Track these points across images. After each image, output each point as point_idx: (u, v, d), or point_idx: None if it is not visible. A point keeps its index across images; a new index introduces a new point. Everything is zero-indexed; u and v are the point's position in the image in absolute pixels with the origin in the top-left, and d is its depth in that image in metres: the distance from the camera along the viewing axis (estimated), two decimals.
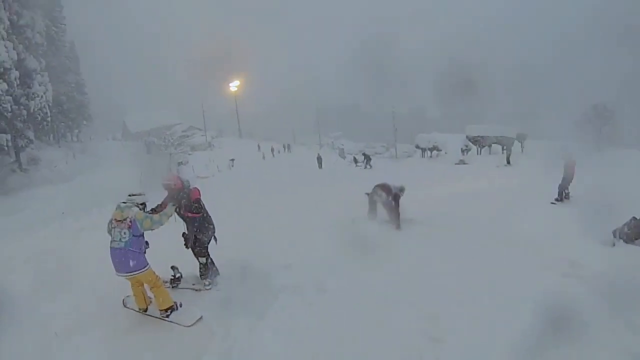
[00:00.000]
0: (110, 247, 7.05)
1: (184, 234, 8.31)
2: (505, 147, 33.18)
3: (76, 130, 49.47)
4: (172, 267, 8.52)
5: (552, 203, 14.25)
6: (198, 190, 8.39)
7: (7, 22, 33.24)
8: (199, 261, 8.42)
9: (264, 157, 51.78)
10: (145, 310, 7.54)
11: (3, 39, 31.89)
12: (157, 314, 7.36)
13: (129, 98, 62.21)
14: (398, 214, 11.90)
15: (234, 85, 62.07)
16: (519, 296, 6.88)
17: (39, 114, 35.46)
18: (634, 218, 9.83)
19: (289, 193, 21.08)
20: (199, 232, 8.30)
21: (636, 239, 9.68)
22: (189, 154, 40.60)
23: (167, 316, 7.32)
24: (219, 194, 9.78)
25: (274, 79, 66.30)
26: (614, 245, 9.71)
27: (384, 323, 6.58)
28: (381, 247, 10.00)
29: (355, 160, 43.32)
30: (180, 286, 8.51)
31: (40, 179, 33.03)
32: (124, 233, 6.97)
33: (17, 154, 34.36)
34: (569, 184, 14.54)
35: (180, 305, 7.49)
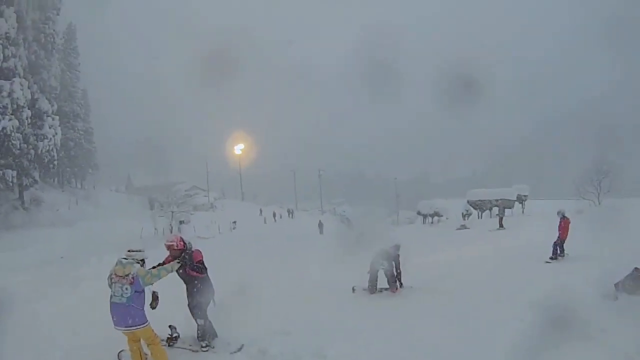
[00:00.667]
0: (111, 302, 7.08)
1: (153, 292, 7.72)
2: (498, 211, 33.23)
3: (81, 178, 49.86)
4: (170, 327, 8.47)
5: (546, 262, 14.58)
6: (200, 252, 8.38)
7: (26, 61, 33.83)
8: (197, 322, 8.30)
9: (265, 221, 51.77)
10: None
11: (20, 77, 32.32)
12: None
13: (136, 151, 62.75)
14: (395, 279, 12.12)
15: (239, 149, 62.76)
16: None
17: (47, 156, 35.61)
18: (636, 269, 9.79)
19: (290, 258, 21.03)
20: (198, 293, 8.25)
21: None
22: (191, 214, 40.55)
23: None
24: (219, 256, 9.82)
25: (279, 144, 66.80)
26: (616, 298, 9.66)
27: None
28: (381, 315, 10.09)
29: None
30: (176, 346, 8.40)
31: (42, 220, 32.93)
32: (126, 289, 6.98)
33: (20, 192, 34.49)
34: (563, 242, 14.97)
35: None
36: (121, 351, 7.79)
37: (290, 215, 58.27)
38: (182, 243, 8.21)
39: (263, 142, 64.67)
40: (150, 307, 7.39)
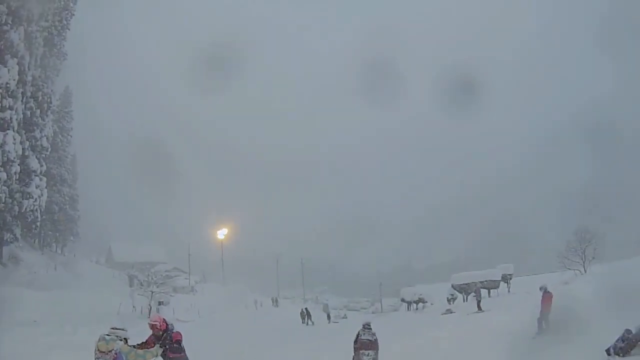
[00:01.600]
0: None
1: None
2: (476, 294, 32.49)
3: (62, 244, 49.06)
4: None
5: (533, 338, 14.55)
6: (180, 333, 8.60)
7: (21, 115, 33.54)
8: None
9: (246, 307, 50.69)
10: None
11: (13, 130, 31.89)
12: None
13: (118, 225, 62.51)
14: None
15: (222, 233, 62.76)
16: None
17: (30, 215, 34.92)
18: (627, 330, 10.11)
19: (269, 348, 20.48)
20: None
21: (632, 350, 10.04)
22: (171, 295, 39.50)
23: None
24: (198, 340, 9.43)
25: (261, 232, 66.86)
26: None
27: None
28: None
29: (329, 317, 42.16)
30: None
31: (18, 279, 31.67)
32: None
33: None
34: (547, 316, 15.03)
35: None
36: None
37: (275, 304, 56.92)
38: (164, 324, 8.46)
39: (247, 228, 64.69)
40: None
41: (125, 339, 7.59)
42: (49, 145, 39.26)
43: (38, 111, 37.37)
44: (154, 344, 8.23)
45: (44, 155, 38.20)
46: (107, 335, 7.16)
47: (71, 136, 48.74)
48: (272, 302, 57.23)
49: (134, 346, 7.90)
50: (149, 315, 31.67)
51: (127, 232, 63.39)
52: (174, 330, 8.51)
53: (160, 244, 63.61)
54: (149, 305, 34.48)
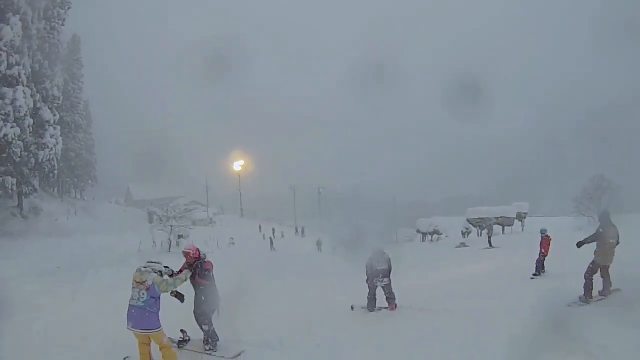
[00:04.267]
0: (129, 304, 7.72)
1: (176, 294, 8.65)
2: (487, 230, 33.13)
3: (80, 188, 49.84)
4: (181, 330, 9.17)
5: (531, 278, 15.11)
6: (211, 263, 9.22)
7: (29, 70, 33.65)
8: (201, 328, 8.97)
9: (264, 238, 51.57)
10: None
11: (23, 85, 32.16)
12: None
13: (136, 165, 62.53)
14: (394, 296, 12.17)
15: (239, 165, 62.83)
16: None
17: (47, 165, 35.30)
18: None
19: (288, 277, 20.93)
20: (204, 301, 8.90)
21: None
22: (190, 228, 40.21)
23: None
24: (218, 271, 9.90)
25: (279, 162, 66.50)
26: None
27: None
28: (379, 333, 10.09)
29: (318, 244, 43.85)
30: (185, 348, 9.03)
31: (40, 229, 32.50)
32: (143, 294, 7.64)
33: (19, 200, 34.32)
34: (544, 259, 15.64)
35: None
36: (126, 357, 8.36)
37: (302, 234, 56.82)
38: (197, 252, 9.09)
39: (263, 160, 64.39)
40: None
41: (159, 271, 8.13)
42: (60, 94, 39.04)
43: (46, 62, 37.10)
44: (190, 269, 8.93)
45: (56, 105, 38.00)
46: (143, 267, 8.00)
47: (82, 82, 48.11)
48: (296, 231, 57.49)
49: (168, 275, 8.42)
50: (169, 249, 32.80)
51: (144, 171, 63.56)
52: (206, 260, 9.16)
53: (177, 179, 63.91)
54: (169, 239, 35.33)
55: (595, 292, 11.10)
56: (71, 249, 26.95)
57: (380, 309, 12.22)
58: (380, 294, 12.30)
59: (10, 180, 31.45)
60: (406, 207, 56.88)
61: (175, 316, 8.66)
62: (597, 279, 11.06)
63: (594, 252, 11.03)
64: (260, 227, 55.03)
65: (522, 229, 42.70)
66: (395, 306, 12.10)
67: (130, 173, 61.07)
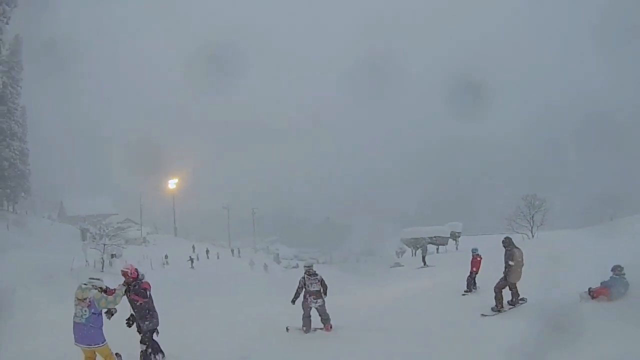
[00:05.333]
0: (74, 322, 8.22)
1: (127, 319, 9.31)
2: (422, 249, 34.05)
3: (13, 201, 48.20)
4: (116, 354, 8.97)
5: (462, 294, 15.86)
6: (149, 283, 9.65)
7: None
8: (140, 347, 9.24)
9: (197, 259, 51.15)
10: None
11: None
12: None
13: (70, 179, 61.29)
14: (329, 317, 12.49)
15: (173, 183, 62.34)
16: None
17: None
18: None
19: (224, 296, 21.04)
20: (142, 319, 9.26)
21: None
22: (123, 247, 39.68)
23: None
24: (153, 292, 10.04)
25: (211, 181, 66.40)
26: None
27: None
28: (315, 355, 10.57)
29: (265, 266, 44.69)
30: None
31: None
32: (85, 311, 8.12)
33: None
34: (474, 277, 16.36)
35: None
36: None
37: (238, 254, 56.58)
38: (136, 273, 9.49)
39: (199, 178, 64.21)
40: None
41: (100, 287, 8.60)
42: None
43: None
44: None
45: None
46: (84, 284, 8.44)
47: (21, 87, 46.53)
48: (232, 252, 57.31)
49: (105, 292, 8.77)
50: (102, 268, 32.34)
51: (78, 186, 62.33)
52: (144, 280, 9.55)
53: (111, 196, 62.71)
54: (102, 258, 34.83)
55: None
56: (2, 265, 26.29)
57: (315, 329, 12.55)
58: (315, 315, 12.63)
59: None
60: (340, 228, 57.35)
61: (119, 334, 9.00)
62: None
63: (505, 272, 12.86)
64: (193, 247, 54.59)
65: (457, 248, 44.03)
66: (331, 327, 12.50)
67: (64, 186, 59.95)
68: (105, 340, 8.34)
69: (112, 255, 36.43)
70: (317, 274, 12.69)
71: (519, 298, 12.91)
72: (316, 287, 12.49)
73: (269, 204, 65.60)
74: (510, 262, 12.93)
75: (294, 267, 45.99)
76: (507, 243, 13.22)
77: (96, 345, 8.22)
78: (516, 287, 12.87)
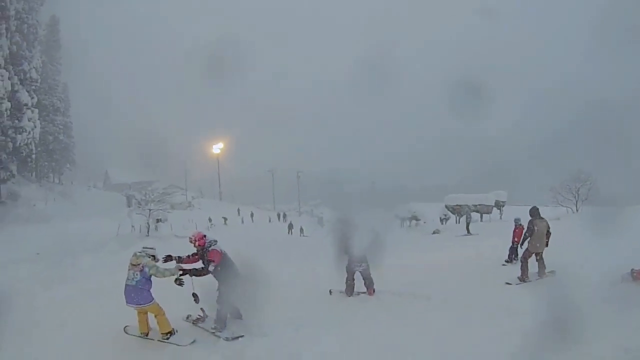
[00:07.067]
0: (125, 284, 8.76)
1: (193, 294, 9.31)
2: (467, 216, 33.39)
3: (59, 173, 49.33)
4: (202, 309, 9.77)
5: (502, 264, 15.54)
6: (217, 252, 9.32)
7: (7, 51, 33.27)
8: (216, 306, 9.37)
9: (242, 222, 51.52)
10: (147, 335, 9.03)
11: (0, 67, 31.84)
12: (158, 337, 8.89)
13: (114, 149, 62.15)
14: (372, 281, 12.11)
15: (217, 148, 62.74)
16: None
17: (25, 150, 35.15)
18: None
19: (268, 257, 20.92)
20: (221, 284, 9.33)
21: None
22: (169, 212, 40.02)
23: (167, 339, 8.83)
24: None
25: (255, 146, 66.42)
26: None
27: None
28: (358, 318, 10.18)
29: (301, 230, 44.32)
30: (199, 325, 9.67)
31: (18, 215, 32.37)
32: (136, 274, 8.69)
33: None
34: (516, 247, 15.82)
35: (176, 332, 9.00)
36: (126, 326, 9.30)
37: (284, 219, 55.49)
38: (202, 241, 9.40)
39: (242, 143, 64.34)
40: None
41: (153, 256, 9.05)
42: (39, 77, 39.10)
43: (24, 44, 37.04)
44: (197, 258, 9.52)
45: (34, 87, 38.23)
46: (139, 252, 9.02)
47: (60, 64, 47.91)
48: (279, 217, 56.99)
49: (178, 258, 9.40)
50: (148, 233, 32.69)
51: (123, 155, 63.27)
52: (211, 248, 9.29)
53: (156, 162, 63.21)
54: (147, 223, 35.22)
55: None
56: (50, 235, 26.62)
57: (358, 293, 12.21)
58: (358, 279, 12.27)
59: None
60: (385, 193, 56.84)
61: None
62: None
63: (528, 242, 13.00)
64: (238, 210, 54.91)
65: (500, 217, 42.72)
66: (374, 291, 12.08)
67: (108, 156, 60.78)
68: (153, 299, 8.83)
69: (158, 220, 36.72)
70: (363, 237, 12.17)
71: (547, 270, 12.86)
72: (362, 252, 12.05)
73: (313, 167, 65.40)
74: (527, 233, 13.17)
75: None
76: (532, 213, 13.22)
77: (145, 304, 8.78)
78: (542, 259, 12.87)
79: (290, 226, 44.90)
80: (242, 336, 8.89)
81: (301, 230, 44.05)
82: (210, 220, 46.31)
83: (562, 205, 36.43)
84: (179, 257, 9.46)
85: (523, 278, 12.66)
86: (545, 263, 12.75)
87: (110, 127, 60.66)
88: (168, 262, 9.39)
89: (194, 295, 9.27)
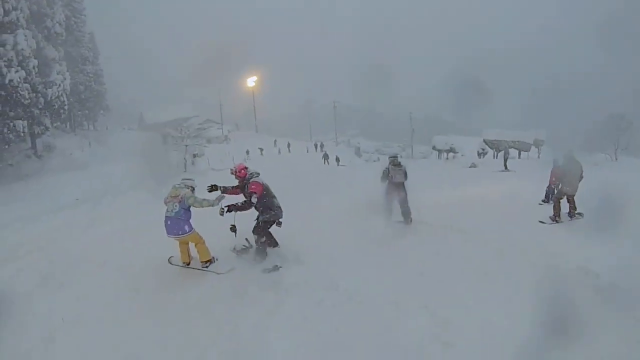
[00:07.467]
0: (165, 216, 8.77)
1: (232, 226, 9.22)
2: (504, 152, 32.80)
3: (93, 120, 49.90)
4: (246, 239, 9.80)
5: (539, 204, 15.07)
6: (258, 184, 9.05)
7: (27, 11, 33.23)
8: (253, 236, 9.30)
9: (279, 152, 51.50)
10: (188, 264, 9.21)
11: (23, 28, 31.95)
12: (199, 265, 9.04)
13: (147, 90, 62.51)
14: (410, 211, 11.98)
15: (252, 81, 62.49)
16: (528, 304, 6.70)
17: (56, 102, 35.53)
18: None
19: (305, 188, 20.91)
20: (260, 214, 9.16)
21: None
22: (205, 147, 40.33)
23: (207, 267, 8.99)
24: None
25: (291, 78, 65.96)
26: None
27: (394, 325, 6.47)
28: (395, 247, 9.94)
29: (338, 160, 44.08)
30: (242, 255, 9.53)
31: (55, 166, 33.04)
32: (175, 206, 8.73)
33: (32, 141, 34.67)
34: (554, 188, 15.07)
35: (216, 260, 9.12)
36: (170, 257, 9.45)
37: (321, 149, 54.25)
38: (243, 172, 9.25)
39: (275, 77, 63.93)
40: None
41: (191, 187, 9.04)
42: (63, 31, 39.25)
43: (44, 1, 37.03)
44: (239, 191, 9.37)
45: (59, 42, 38.67)
46: (178, 184, 9.02)
47: (84, 15, 47.58)
48: (316, 148, 56.33)
49: (223, 188, 9.22)
50: (185, 169, 32.92)
51: (156, 95, 63.56)
52: (252, 180, 9.06)
53: (190, 99, 63.76)
54: (184, 159, 35.47)
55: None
56: (88, 180, 27.09)
57: (395, 223, 12.04)
58: (396, 208, 12.14)
59: (21, 124, 31.66)
60: (421, 123, 56.15)
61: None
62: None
63: (561, 183, 12.73)
64: (275, 141, 54.89)
65: (539, 156, 42.25)
66: (411, 221, 11.97)
67: (142, 98, 61.22)
68: (193, 228, 8.84)
69: (194, 155, 37.06)
70: (401, 165, 12.02)
71: (576, 212, 12.61)
72: (400, 179, 11.91)
73: (350, 98, 64.85)
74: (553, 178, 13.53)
75: (375, 161, 46.04)
76: (566, 155, 12.99)
77: (185, 234, 8.79)
78: (573, 201, 12.57)
79: (326, 156, 44.50)
80: (280, 267, 8.75)
81: (337, 159, 43.76)
82: (247, 152, 46.41)
83: (601, 152, 35.58)
84: (224, 187, 9.30)
85: (555, 218, 12.53)
86: (576, 205, 12.50)
87: (142, 69, 61.04)
88: (213, 192, 9.26)
89: (232, 227, 9.17)
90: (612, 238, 8.54)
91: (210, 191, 9.25)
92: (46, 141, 35.81)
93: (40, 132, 34.26)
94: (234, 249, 9.76)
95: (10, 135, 31.15)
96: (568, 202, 12.61)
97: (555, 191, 14.38)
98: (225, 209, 8.83)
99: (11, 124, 30.95)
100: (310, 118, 67.39)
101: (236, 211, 8.90)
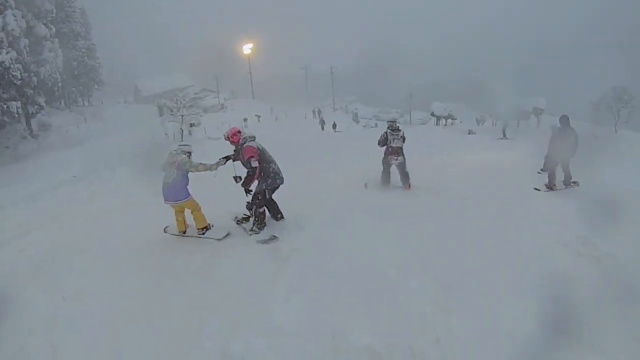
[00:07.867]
0: (163, 183, 8.80)
1: (234, 177, 9.07)
2: (503, 121, 32.88)
3: (87, 95, 49.78)
4: (247, 208, 9.64)
5: (538, 172, 14.91)
6: (250, 148, 8.81)
7: None
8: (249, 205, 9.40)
9: (276, 119, 51.33)
10: (184, 233, 9.24)
11: (12, 8, 31.70)
12: (195, 233, 9.11)
13: (141, 62, 62.15)
14: (408, 175, 12.09)
15: (248, 48, 62.08)
16: (528, 271, 6.92)
17: (50, 80, 35.67)
18: None
19: (301, 154, 20.90)
20: (258, 180, 9.01)
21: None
22: (201, 116, 40.24)
23: (203, 234, 9.05)
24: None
25: (287, 44, 65.42)
26: None
27: (395, 289, 6.52)
28: (394, 213, 9.99)
29: (334, 126, 43.96)
30: (242, 225, 9.50)
31: (51, 144, 33.25)
32: (172, 172, 8.72)
33: (27, 121, 34.58)
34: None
35: (212, 226, 9.21)
36: (166, 227, 9.51)
37: (318, 115, 53.90)
38: (235, 137, 9.04)
39: (273, 42, 63.42)
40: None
41: (188, 152, 9.02)
42: (53, 7, 39.08)
43: None
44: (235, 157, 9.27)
45: (49, 19, 38.36)
46: (174, 150, 9.02)
47: None
48: (314, 114, 55.83)
49: (192, 161, 8.96)
50: (182, 139, 32.90)
51: (151, 67, 63.22)
52: (246, 145, 8.84)
53: (185, 69, 63.50)
54: (181, 129, 35.48)
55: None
56: (85, 156, 27.07)
57: (395, 188, 12.20)
58: (394, 173, 12.30)
59: (15, 105, 31.54)
60: (421, 89, 55.85)
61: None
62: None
63: (553, 150, 12.82)
64: (271, 109, 54.67)
65: (538, 125, 42.36)
66: (410, 186, 12.07)
67: (136, 70, 60.96)
68: (190, 195, 8.93)
69: (191, 125, 37.02)
70: (400, 130, 12.09)
71: (571, 180, 12.63)
72: (398, 144, 11.99)
73: (348, 64, 64.35)
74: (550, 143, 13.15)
75: (372, 127, 46.27)
76: (561, 121, 12.63)
77: (182, 200, 8.88)
78: (568, 169, 12.57)
79: (322, 122, 44.47)
80: (277, 237, 8.64)
81: (334, 126, 43.61)
82: (245, 120, 46.27)
83: (599, 125, 35.12)
84: (234, 155, 9.23)
85: (550, 186, 12.51)
86: (571, 173, 12.49)
87: (135, 41, 60.55)
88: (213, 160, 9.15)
89: (235, 177, 9.02)
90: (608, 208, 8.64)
91: (224, 163, 9.15)
92: (41, 120, 35.77)
93: (34, 111, 34.26)
94: (235, 218, 9.78)
95: (5, 118, 31.09)
96: (563, 169, 12.62)
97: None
98: (240, 178, 8.89)
99: (4, 105, 30.86)
100: (308, 84, 67.11)
101: (251, 182, 8.88)
